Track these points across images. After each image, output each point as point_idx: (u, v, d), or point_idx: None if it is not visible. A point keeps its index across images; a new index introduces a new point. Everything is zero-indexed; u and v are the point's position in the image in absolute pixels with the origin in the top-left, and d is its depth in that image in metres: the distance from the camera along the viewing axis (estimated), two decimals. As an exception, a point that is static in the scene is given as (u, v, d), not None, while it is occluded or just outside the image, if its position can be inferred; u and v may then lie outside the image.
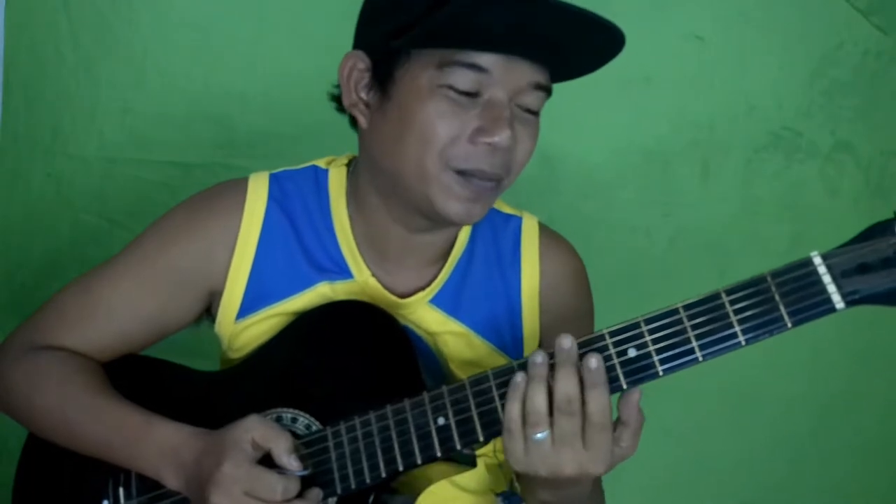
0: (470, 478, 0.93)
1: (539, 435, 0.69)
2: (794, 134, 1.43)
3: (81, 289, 0.92)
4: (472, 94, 0.77)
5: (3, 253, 1.46)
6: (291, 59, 1.40)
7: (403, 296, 0.91)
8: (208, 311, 0.96)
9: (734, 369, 1.44)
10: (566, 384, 0.69)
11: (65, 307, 0.92)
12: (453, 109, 0.77)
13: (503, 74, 0.77)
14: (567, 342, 0.70)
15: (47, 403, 0.88)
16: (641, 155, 1.45)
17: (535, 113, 0.82)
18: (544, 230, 0.97)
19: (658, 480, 1.52)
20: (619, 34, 0.76)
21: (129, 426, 0.84)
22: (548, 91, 0.81)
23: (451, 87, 0.76)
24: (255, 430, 0.77)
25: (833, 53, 1.39)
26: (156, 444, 0.83)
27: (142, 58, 1.40)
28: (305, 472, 0.78)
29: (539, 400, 0.70)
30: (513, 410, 0.71)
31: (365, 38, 0.83)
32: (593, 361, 0.69)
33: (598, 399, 0.69)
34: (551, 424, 0.70)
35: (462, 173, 0.79)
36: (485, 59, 0.76)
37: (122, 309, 0.91)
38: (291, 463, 0.77)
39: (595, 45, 0.78)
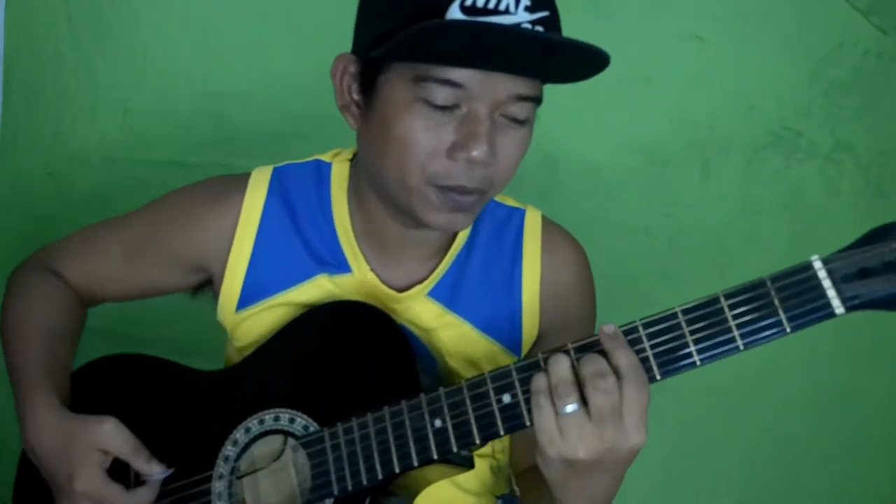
0: (472, 478, 0.93)
1: (569, 408, 0.68)
2: (794, 134, 1.43)
3: (95, 229, 1.01)
4: (450, 107, 0.75)
5: (2, 253, 1.46)
6: (291, 59, 1.40)
7: (402, 290, 0.91)
8: (210, 287, 0.97)
9: (733, 369, 1.43)
10: (594, 362, 0.69)
11: (78, 240, 1.01)
12: (429, 124, 0.75)
13: (480, 88, 0.74)
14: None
15: (15, 313, 0.96)
16: (641, 155, 1.44)
17: (524, 121, 0.78)
18: (547, 223, 0.96)
19: (656, 479, 1.52)
20: (600, 53, 0.72)
21: (26, 377, 0.90)
22: (535, 100, 0.78)
23: (426, 102, 0.74)
24: (111, 443, 0.83)
25: (833, 53, 1.39)
26: (28, 407, 0.87)
27: (142, 58, 1.40)
28: (168, 473, 0.86)
29: (562, 370, 0.69)
30: (539, 381, 0.70)
31: (356, 42, 0.83)
32: (609, 328, 0.70)
33: (627, 357, 0.68)
34: (585, 402, 0.68)
35: (443, 188, 0.78)
36: (459, 74, 0.73)
37: (118, 259, 0.98)
38: (154, 469, 0.85)
39: (576, 63, 0.75)
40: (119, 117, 1.42)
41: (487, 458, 0.95)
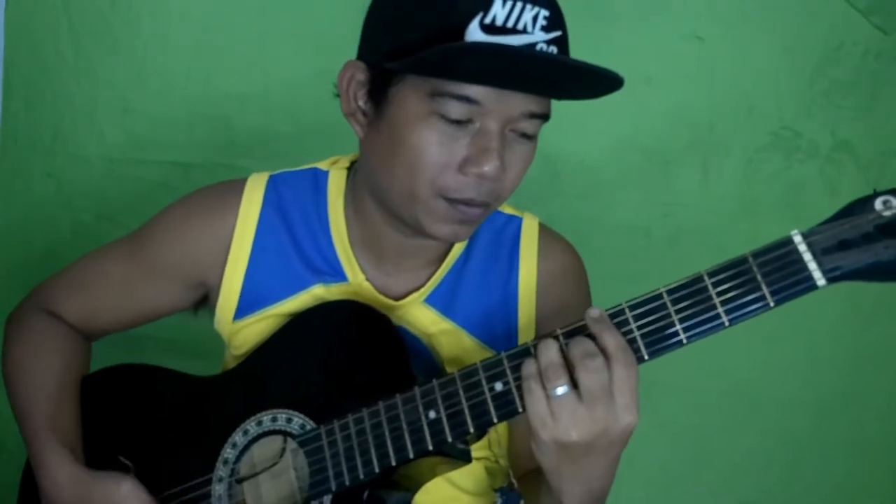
0: (469, 478, 0.93)
1: (559, 390, 0.68)
2: (794, 134, 1.42)
3: (87, 261, 1.00)
4: (463, 122, 0.75)
5: (3, 253, 1.47)
6: (291, 60, 1.40)
7: (398, 298, 0.91)
8: (208, 302, 0.97)
9: (733, 369, 1.45)
10: (582, 344, 0.69)
11: (72, 275, 1.00)
12: (442, 138, 0.76)
13: (494, 105, 0.75)
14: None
15: (18, 361, 0.96)
16: (641, 155, 1.44)
17: (531, 136, 0.79)
18: (544, 229, 0.96)
19: (657, 479, 1.52)
20: (614, 77, 0.73)
21: (37, 429, 0.91)
22: (544, 118, 0.79)
23: (441, 116, 0.75)
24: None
25: (833, 53, 1.39)
26: (42, 465, 0.89)
27: (142, 58, 1.41)
28: None
29: (551, 353, 0.70)
30: (529, 366, 0.70)
31: (366, 50, 0.82)
32: (595, 311, 0.70)
33: (614, 338, 0.69)
34: (576, 385, 0.68)
35: (451, 200, 0.78)
36: (475, 91, 0.74)
37: (115, 287, 0.97)
38: None
39: (589, 86, 0.76)
40: (119, 117, 1.42)
41: (485, 459, 0.95)
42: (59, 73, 1.41)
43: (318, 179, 0.94)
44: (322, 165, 0.95)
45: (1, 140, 1.43)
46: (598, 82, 0.74)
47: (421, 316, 0.91)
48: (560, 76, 0.74)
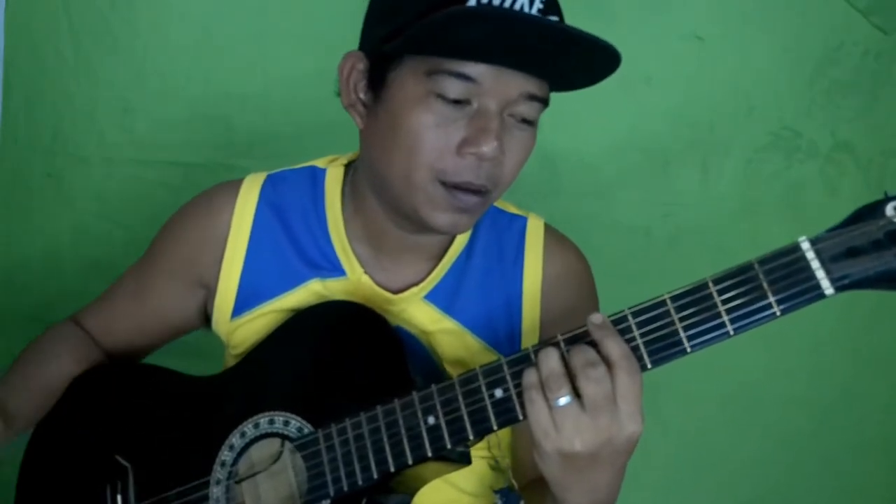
0: (470, 478, 0.93)
1: (561, 401, 0.67)
2: (794, 134, 1.42)
3: (114, 282, 1.03)
4: (461, 102, 0.75)
5: (3, 253, 1.46)
6: (292, 60, 1.40)
7: (397, 292, 0.91)
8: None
9: (735, 370, 1.45)
10: (583, 352, 0.68)
11: (101, 294, 1.04)
12: (439, 120, 0.75)
13: (492, 84, 0.74)
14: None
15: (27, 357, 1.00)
16: (641, 154, 1.44)
17: (531, 122, 0.79)
18: (549, 231, 0.96)
19: (658, 481, 1.52)
20: (613, 52, 0.72)
21: None
22: (543, 101, 0.78)
23: (439, 96, 0.75)
24: None
25: (833, 53, 1.39)
26: None
27: (142, 58, 1.41)
28: None
29: (552, 362, 0.68)
30: (530, 376, 0.69)
31: (365, 39, 0.83)
32: (598, 317, 0.69)
33: (617, 345, 0.67)
34: (578, 394, 0.67)
35: (449, 186, 0.78)
36: (472, 68, 0.74)
37: (129, 295, 1.00)
38: None
39: (588, 61, 0.75)
40: (119, 117, 1.42)
41: (486, 458, 0.95)
42: (59, 73, 1.41)
43: (315, 176, 0.94)
44: (319, 163, 0.95)
45: (1, 140, 1.43)
46: (593, 52, 0.73)
47: (420, 313, 0.91)
48: (560, 47, 0.73)
